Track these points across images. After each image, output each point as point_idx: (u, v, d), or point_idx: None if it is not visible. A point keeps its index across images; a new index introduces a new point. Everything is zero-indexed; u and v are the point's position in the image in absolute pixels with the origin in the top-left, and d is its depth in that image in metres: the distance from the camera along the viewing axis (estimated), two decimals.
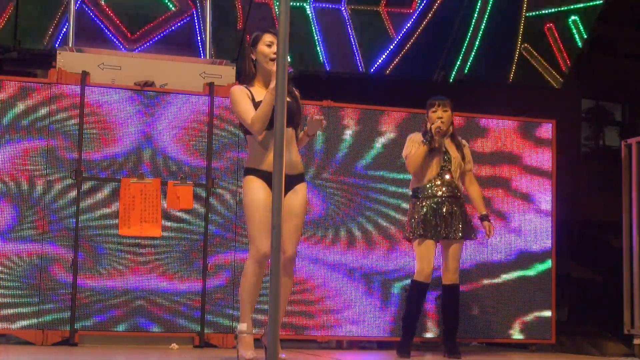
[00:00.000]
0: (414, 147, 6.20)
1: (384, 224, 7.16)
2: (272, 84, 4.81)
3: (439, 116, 6.19)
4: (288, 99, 4.81)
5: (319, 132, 5.37)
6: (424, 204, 6.14)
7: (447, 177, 6.19)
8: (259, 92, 5.10)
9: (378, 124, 7.23)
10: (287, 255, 5.00)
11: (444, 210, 6.11)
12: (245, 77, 5.23)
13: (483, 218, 6.33)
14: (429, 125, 6.20)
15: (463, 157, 6.32)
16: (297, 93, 5.21)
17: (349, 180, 7.14)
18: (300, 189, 5.09)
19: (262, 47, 5.08)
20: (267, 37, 5.07)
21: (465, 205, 6.29)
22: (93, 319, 6.54)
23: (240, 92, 5.06)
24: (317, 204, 7.02)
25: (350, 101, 7.31)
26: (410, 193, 6.32)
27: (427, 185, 6.18)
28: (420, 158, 6.14)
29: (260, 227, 4.93)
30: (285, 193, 4.88)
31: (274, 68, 4.68)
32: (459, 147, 6.33)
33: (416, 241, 6.11)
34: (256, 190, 4.99)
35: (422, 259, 6.08)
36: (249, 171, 5.09)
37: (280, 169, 3.70)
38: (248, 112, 4.99)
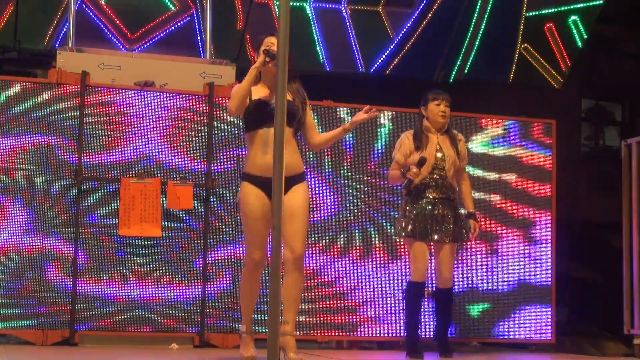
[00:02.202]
0: (399, 154, 6.12)
1: (384, 223, 7.15)
2: (253, 66, 5.06)
3: (442, 110, 6.05)
4: (288, 98, 4.93)
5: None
6: (415, 204, 6.03)
7: (440, 177, 6.06)
8: (261, 91, 5.14)
9: (377, 124, 7.22)
10: (295, 255, 5.02)
11: (435, 212, 6.00)
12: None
13: (470, 216, 6.23)
14: (426, 123, 6.09)
15: (458, 153, 6.16)
16: (303, 93, 5.24)
17: (345, 181, 7.14)
18: (299, 189, 5.08)
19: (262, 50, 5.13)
20: (270, 40, 5.11)
21: (457, 207, 6.17)
22: (93, 319, 6.54)
23: (235, 87, 5.17)
24: (315, 204, 7.02)
25: (350, 101, 7.31)
26: (404, 191, 6.15)
27: (419, 186, 6.03)
28: (396, 182, 6.17)
29: (250, 235, 5.08)
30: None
31: (274, 69, 4.78)
32: (454, 143, 6.17)
33: (408, 241, 6.05)
34: (247, 199, 5.08)
35: (415, 259, 6.00)
36: (244, 176, 5.19)
37: (280, 170, 3.71)
38: (233, 99, 5.10)
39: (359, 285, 7.08)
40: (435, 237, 6.00)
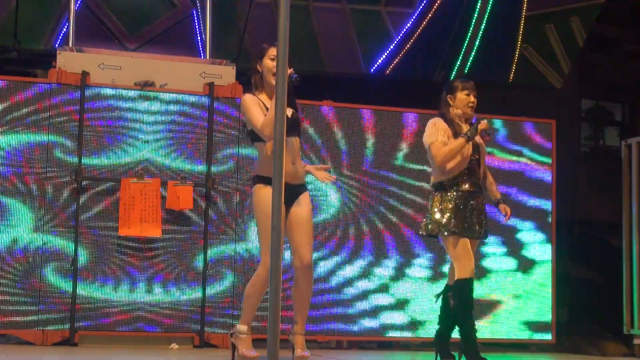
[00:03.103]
0: (439, 134, 5.56)
1: (384, 223, 7.15)
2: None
3: (472, 101, 5.66)
4: (292, 110, 5.07)
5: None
6: (452, 199, 5.55)
7: (476, 169, 5.63)
8: (265, 101, 5.17)
9: (378, 124, 7.22)
10: (305, 263, 5.14)
11: (475, 205, 5.58)
12: (252, 87, 5.30)
13: (500, 201, 5.82)
14: (454, 111, 5.64)
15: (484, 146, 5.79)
16: (295, 103, 5.28)
17: (344, 180, 7.14)
18: (304, 198, 5.21)
19: (267, 61, 5.15)
20: (273, 51, 5.10)
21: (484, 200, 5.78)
22: (93, 319, 6.54)
23: (251, 100, 5.14)
24: (314, 204, 7.02)
25: (350, 101, 7.31)
26: (432, 186, 5.68)
27: (456, 178, 5.57)
28: (457, 152, 5.53)
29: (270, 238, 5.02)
30: (291, 203, 5.10)
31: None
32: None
33: (449, 239, 5.52)
34: (266, 201, 5.00)
35: (461, 256, 5.50)
36: (259, 179, 5.16)
37: (280, 171, 3.70)
38: (259, 118, 5.07)
39: (359, 285, 7.08)
40: (482, 232, 5.61)
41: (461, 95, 5.65)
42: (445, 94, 5.71)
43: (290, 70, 5.03)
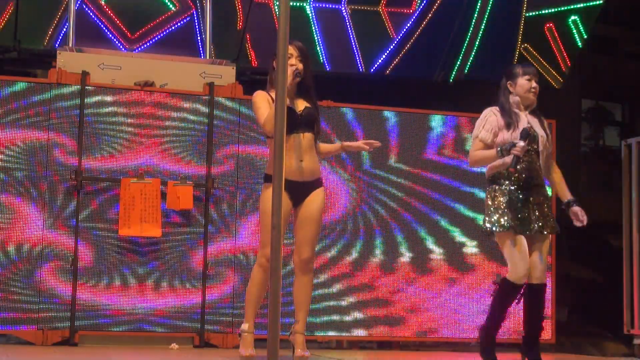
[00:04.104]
0: (484, 130, 5.27)
1: (385, 223, 7.15)
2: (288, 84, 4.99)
3: (534, 87, 5.33)
4: (308, 105, 5.23)
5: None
6: (509, 192, 5.21)
7: (535, 160, 5.28)
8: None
9: (378, 124, 7.22)
10: (303, 258, 5.22)
11: (533, 199, 5.24)
12: (267, 84, 5.38)
13: (572, 203, 5.40)
14: (512, 98, 5.34)
15: (547, 135, 5.38)
16: (315, 100, 5.39)
17: (344, 180, 7.14)
18: (317, 195, 5.25)
19: None
20: (289, 49, 5.15)
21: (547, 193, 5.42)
22: (93, 319, 6.54)
23: (261, 96, 5.24)
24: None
25: (351, 101, 7.31)
26: (487, 178, 5.35)
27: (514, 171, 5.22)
28: (486, 164, 5.29)
29: (269, 235, 5.01)
30: (302, 199, 5.18)
31: (290, 78, 5.02)
32: (542, 123, 5.38)
33: (503, 236, 5.17)
34: (268, 200, 5.05)
35: (515, 256, 5.14)
36: (266, 178, 5.25)
37: (280, 169, 3.70)
38: (263, 114, 5.19)
39: (360, 285, 7.08)
40: (536, 227, 5.23)
41: (522, 81, 5.34)
42: (505, 81, 5.42)
43: (298, 67, 5.12)
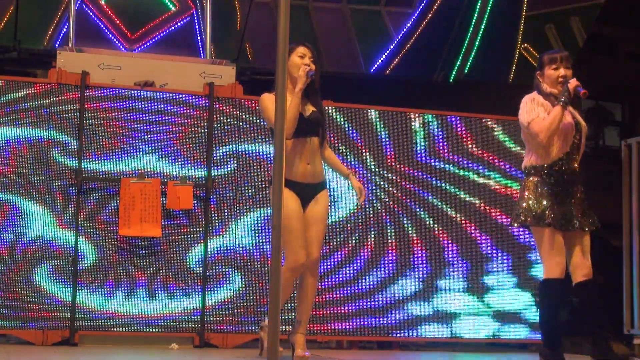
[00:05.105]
0: (540, 110, 4.90)
1: (385, 222, 7.15)
2: (297, 87, 5.14)
3: (562, 75, 4.93)
4: (314, 109, 5.30)
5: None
6: (549, 185, 4.91)
7: (575, 153, 4.96)
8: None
9: (378, 124, 7.22)
10: (312, 259, 5.28)
11: (575, 194, 4.97)
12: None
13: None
14: (545, 87, 4.98)
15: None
16: (321, 103, 5.44)
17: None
18: (323, 197, 5.35)
19: (294, 58, 5.28)
20: (300, 50, 5.31)
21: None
22: (93, 319, 6.54)
23: (269, 99, 5.22)
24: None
25: (350, 101, 7.31)
26: (525, 170, 5.05)
27: (556, 163, 4.93)
28: (559, 121, 4.81)
29: (293, 236, 5.19)
30: (309, 201, 5.28)
31: (301, 74, 5.13)
32: (581, 113, 5.09)
33: (540, 232, 4.91)
34: (288, 202, 5.16)
35: (550, 254, 4.90)
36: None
37: (280, 171, 3.70)
38: (272, 116, 5.13)
39: (361, 285, 7.08)
40: (577, 224, 4.99)
41: (549, 71, 4.99)
42: (536, 71, 5.10)
43: (311, 67, 5.15)
